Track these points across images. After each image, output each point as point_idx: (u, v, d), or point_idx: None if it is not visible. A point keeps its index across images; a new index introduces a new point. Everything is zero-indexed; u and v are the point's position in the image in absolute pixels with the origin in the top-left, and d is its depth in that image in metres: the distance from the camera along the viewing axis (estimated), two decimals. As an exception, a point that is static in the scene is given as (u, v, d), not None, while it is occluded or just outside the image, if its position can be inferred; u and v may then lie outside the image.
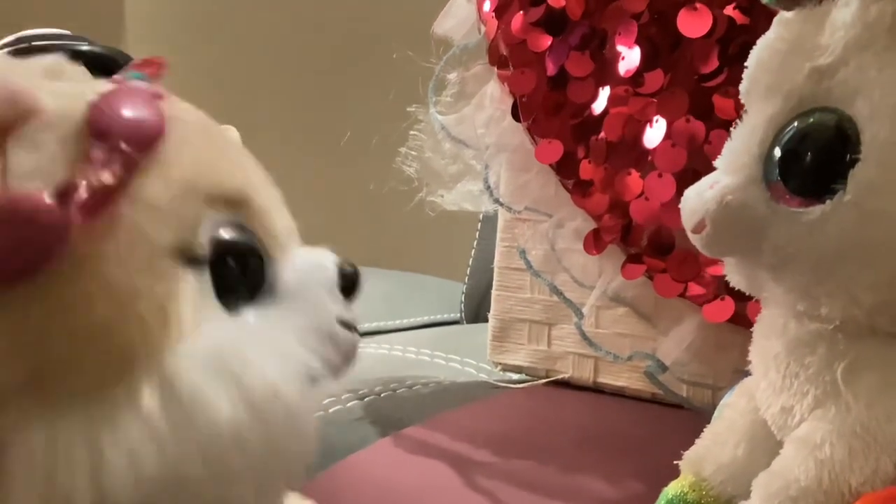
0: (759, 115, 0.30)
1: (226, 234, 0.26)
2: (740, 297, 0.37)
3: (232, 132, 0.31)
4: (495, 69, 0.53)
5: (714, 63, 0.44)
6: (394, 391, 0.58)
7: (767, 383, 0.31)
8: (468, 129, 0.54)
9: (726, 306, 0.45)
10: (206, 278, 0.25)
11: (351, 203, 1.24)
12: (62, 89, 0.25)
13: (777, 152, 0.28)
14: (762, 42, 0.31)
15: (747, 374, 0.33)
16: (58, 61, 0.27)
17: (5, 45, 0.49)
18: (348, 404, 0.55)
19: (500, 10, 0.52)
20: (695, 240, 0.31)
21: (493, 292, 0.62)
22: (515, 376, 0.61)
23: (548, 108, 0.50)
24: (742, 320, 0.44)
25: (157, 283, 0.24)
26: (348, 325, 0.29)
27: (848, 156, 0.27)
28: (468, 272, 0.97)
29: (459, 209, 0.56)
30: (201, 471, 0.24)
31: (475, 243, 0.96)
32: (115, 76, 0.27)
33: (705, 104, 0.45)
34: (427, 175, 0.56)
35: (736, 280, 0.32)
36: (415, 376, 0.62)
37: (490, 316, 0.62)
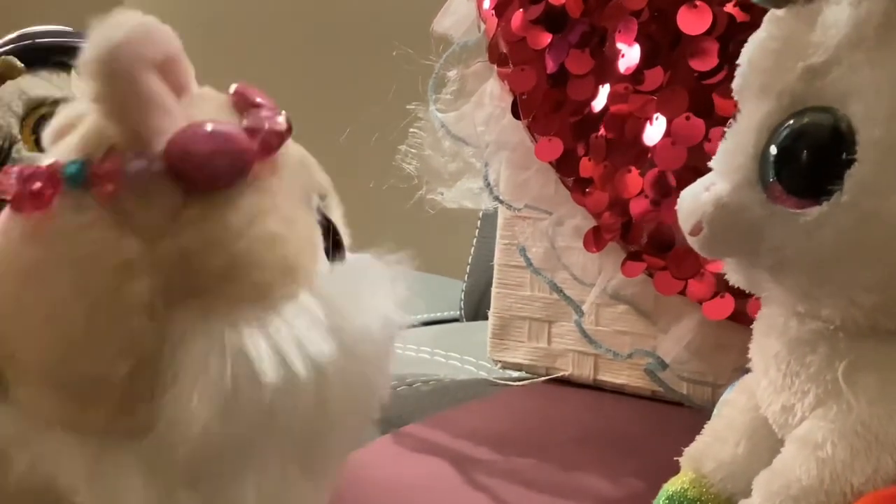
0: (752, 115, 0.30)
1: (323, 207, 0.31)
2: (740, 295, 0.37)
3: None
4: (495, 67, 0.53)
5: (714, 61, 0.44)
6: (393, 389, 0.58)
7: (768, 382, 0.31)
8: (468, 126, 0.54)
9: (726, 304, 0.45)
10: (320, 232, 0.30)
11: (350, 200, 1.23)
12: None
13: (772, 153, 0.28)
14: (753, 41, 0.31)
15: (747, 371, 0.33)
16: None
17: (8, 42, 0.49)
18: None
19: (500, 8, 0.52)
20: (692, 242, 0.31)
21: (493, 290, 0.62)
22: (515, 374, 0.61)
23: (548, 105, 0.50)
24: (742, 318, 0.44)
25: (308, 216, 0.29)
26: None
27: (844, 156, 0.27)
28: (468, 270, 0.97)
29: (459, 207, 0.56)
30: (342, 371, 0.28)
31: (475, 241, 0.96)
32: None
33: (705, 102, 0.45)
34: (427, 173, 0.56)
35: (735, 279, 0.32)
36: (415, 374, 0.62)
37: (490, 313, 0.62)
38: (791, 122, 0.28)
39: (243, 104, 0.29)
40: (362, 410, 0.31)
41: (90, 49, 0.26)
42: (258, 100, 0.29)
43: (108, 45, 0.25)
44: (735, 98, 0.31)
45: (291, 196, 0.29)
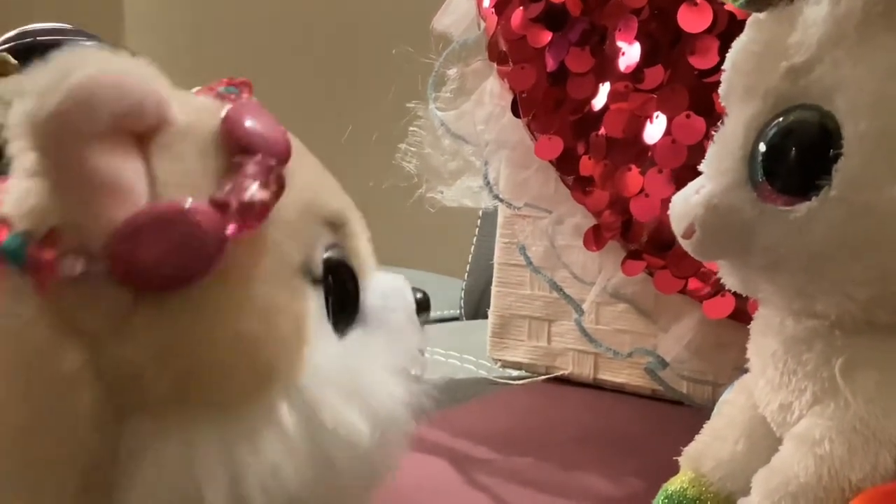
0: (739, 117, 0.30)
1: (334, 254, 0.26)
2: (740, 294, 0.37)
3: None
4: (495, 65, 0.53)
5: (714, 59, 0.44)
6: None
7: (765, 381, 0.31)
8: (468, 125, 0.54)
9: (726, 303, 0.45)
10: (321, 298, 0.25)
11: (351, 199, 1.23)
12: (182, 99, 0.25)
13: (760, 152, 0.29)
14: (737, 45, 0.31)
15: (747, 370, 0.33)
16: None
17: (8, 40, 0.48)
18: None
19: (500, 6, 0.52)
20: (685, 245, 0.31)
21: (493, 289, 0.62)
22: (515, 373, 0.61)
23: (548, 104, 0.50)
24: (742, 317, 0.44)
25: (295, 300, 0.24)
26: (421, 350, 0.30)
27: (831, 151, 0.27)
28: (468, 269, 0.97)
29: (459, 205, 0.56)
30: (327, 486, 0.24)
31: (475, 240, 0.96)
32: (212, 86, 0.27)
33: (706, 100, 0.45)
34: (427, 171, 0.56)
35: (731, 282, 0.32)
36: (414, 373, 0.62)
37: (490, 312, 0.62)
38: (778, 121, 0.28)
39: (232, 143, 0.24)
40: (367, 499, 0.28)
41: (23, 108, 0.21)
42: (250, 137, 0.24)
43: (42, 115, 0.21)
44: (722, 103, 0.32)
45: (276, 274, 0.24)
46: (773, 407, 0.30)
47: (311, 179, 0.27)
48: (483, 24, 0.54)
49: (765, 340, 0.31)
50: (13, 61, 0.39)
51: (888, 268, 0.27)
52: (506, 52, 0.52)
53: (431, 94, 0.55)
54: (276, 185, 0.23)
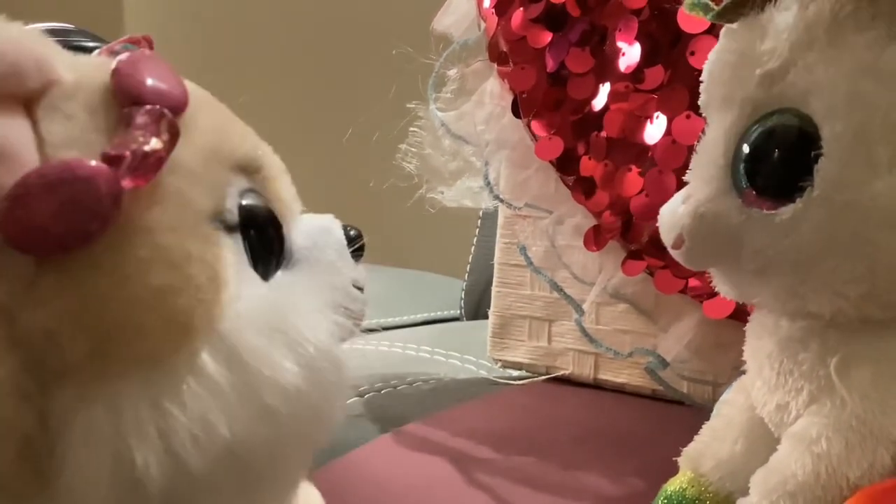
0: (719, 126, 0.30)
1: (249, 200, 0.26)
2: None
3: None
4: (495, 66, 0.53)
5: (714, 59, 0.44)
6: (394, 388, 0.58)
7: (762, 382, 0.31)
8: (468, 125, 0.54)
9: (726, 302, 0.45)
10: (239, 244, 0.25)
11: (351, 200, 1.23)
12: (72, 59, 0.25)
13: (742, 159, 0.29)
14: (712, 55, 0.32)
15: (746, 371, 0.33)
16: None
17: None
18: (348, 401, 0.55)
19: (500, 7, 0.52)
20: (675, 255, 0.31)
21: (494, 289, 0.62)
22: (516, 373, 0.61)
23: (548, 104, 0.50)
24: (742, 316, 0.44)
25: (207, 247, 0.24)
26: (358, 287, 0.29)
27: (811, 152, 0.27)
28: (468, 269, 0.97)
29: (459, 206, 0.56)
30: (265, 433, 0.24)
31: (475, 240, 0.96)
32: (109, 46, 0.27)
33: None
34: (427, 172, 0.56)
35: (724, 290, 0.32)
36: (415, 373, 0.62)
37: (490, 312, 0.62)
38: (757, 127, 0.29)
39: (122, 96, 0.23)
40: (289, 469, 0.27)
41: None
42: (140, 87, 0.23)
43: None
44: (702, 113, 0.32)
45: (183, 223, 0.24)
46: (770, 408, 0.31)
47: (215, 127, 0.26)
48: (483, 25, 0.54)
49: (760, 342, 0.32)
50: None
51: (876, 264, 0.27)
52: (506, 52, 0.52)
53: (432, 95, 0.55)
54: (169, 133, 0.23)
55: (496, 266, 0.62)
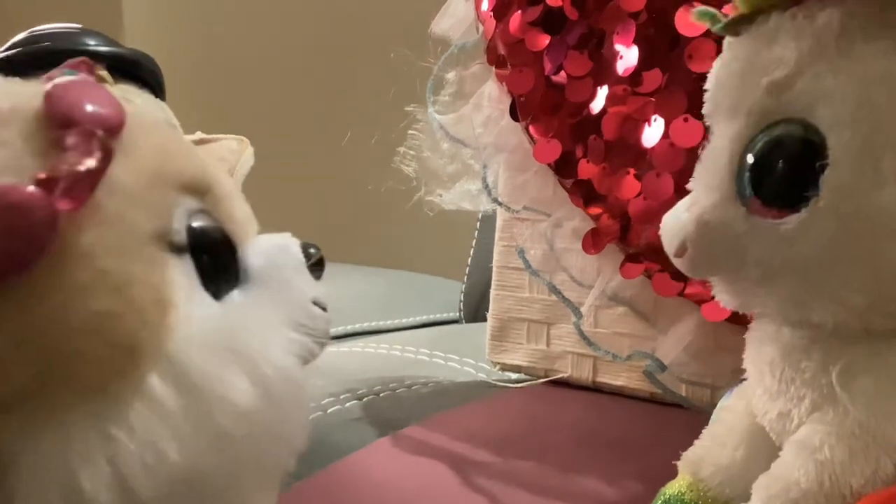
0: (724, 134, 0.30)
1: (199, 221, 0.26)
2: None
3: (245, 144, 0.31)
4: (493, 69, 0.53)
5: (712, 62, 0.44)
6: (393, 391, 0.58)
7: (763, 390, 0.31)
8: (466, 128, 0.54)
9: (725, 305, 0.45)
10: (188, 266, 0.25)
11: (349, 202, 1.24)
12: (6, 88, 0.25)
13: (747, 167, 0.29)
14: (718, 63, 0.31)
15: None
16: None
17: (18, 44, 0.47)
18: (347, 404, 0.55)
19: (499, 10, 0.52)
20: (678, 263, 0.31)
21: (492, 292, 0.62)
22: (514, 376, 0.61)
23: (546, 107, 0.50)
24: (741, 319, 0.44)
25: (151, 269, 0.23)
26: (320, 306, 0.29)
27: (817, 162, 0.27)
28: (467, 272, 0.97)
29: (458, 209, 0.56)
30: (219, 457, 0.24)
31: (474, 243, 0.96)
32: (50, 73, 0.27)
33: (703, 103, 0.45)
34: (425, 174, 0.56)
35: (725, 299, 0.32)
36: (413, 376, 0.62)
37: (489, 315, 0.62)
38: (763, 136, 0.29)
39: (54, 119, 0.23)
40: (245, 493, 0.26)
41: None
42: (71, 110, 0.23)
43: None
44: (707, 121, 0.32)
45: (124, 246, 0.23)
46: (771, 415, 0.30)
47: (158, 148, 0.26)
48: (481, 28, 0.54)
49: (761, 350, 0.31)
50: (109, 77, 0.38)
51: (882, 274, 0.27)
52: (504, 55, 0.52)
53: (430, 98, 0.55)
54: (102, 152, 0.23)
55: (494, 269, 0.61)
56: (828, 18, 0.28)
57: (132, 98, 0.30)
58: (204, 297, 0.25)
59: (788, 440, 0.29)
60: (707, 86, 0.32)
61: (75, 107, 0.23)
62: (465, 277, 0.97)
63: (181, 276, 0.24)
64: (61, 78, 0.25)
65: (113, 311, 0.22)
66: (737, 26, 0.30)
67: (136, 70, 0.35)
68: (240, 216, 0.28)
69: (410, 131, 0.56)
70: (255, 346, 0.25)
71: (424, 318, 0.95)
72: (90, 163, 0.22)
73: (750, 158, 0.29)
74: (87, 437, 0.22)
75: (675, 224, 0.31)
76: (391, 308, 0.93)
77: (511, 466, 0.47)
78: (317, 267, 0.30)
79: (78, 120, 0.23)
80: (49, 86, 0.24)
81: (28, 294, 0.21)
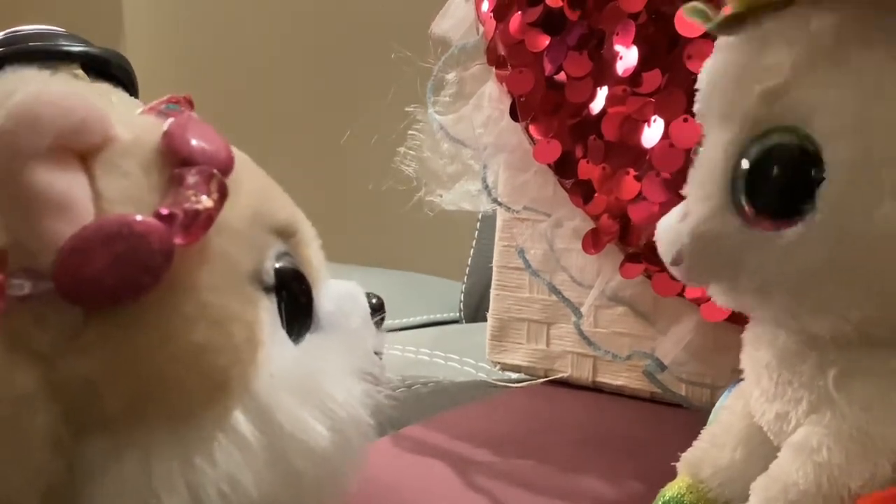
0: (717, 141, 0.29)
1: (286, 263, 0.27)
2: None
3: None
4: (493, 69, 0.53)
5: (712, 63, 0.44)
6: (392, 391, 0.58)
7: (760, 391, 0.31)
8: (466, 128, 0.54)
9: (724, 305, 0.45)
10: (274, 306, 0.26)
11: (350, 203, 1.24)
12: (126, 117, 0.25)
13: (742, 178, 0.28)
14: (710, 67, 0.31)
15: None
16: (102, 87, 0.28)
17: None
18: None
19: (499, 10, 0.52)
20: (674, 272, 0.31)
21: (492, 292, 0.62)
22: (514, 376, 0.61)
23: (546, 107, 0.50)
24: (740, 319, 0.43)
25: (247, 307, 0.24)
26: (378, 354, 0.30)
27: (813, 174, 0.26)
28: (467, 271, 0.97)
29: (458, 209, 0.56)
30: (289, 493, 0.24)
31: (474, 243, 0.96)
32: (154, 105, 0.28)
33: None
34: (425, 175, 0.56)
35: (723, 301, 0.31)
36: (413, 376, 0.62)
37: (489, 315, 0.62)
38: (757, 145, 0.28)
39: (173, 156, 0.24)
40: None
41: None
42: (190, 149, 0.24)
43: None
44: (698, 121, 0.31)
45: (226, 283, 0.24)
46: (769, 417, 0.30)
47: (258, 190, 0.27)
48: (482, 29, 0.54)
49: (758, 352, 0.31)
50: (84, 76, 0.39)
51: (880, 290, 0.27)
52: (504, 56, 0.52)
53: (430, 98, 0.55)
54: (219, 193, 0.24)
55: (494, 269, 0.62)
56: (822, 26, 0.27)
57: (109, 96, 0.30)
58: (284, 337, 0.26)
59: (786, 442, 0.29)
60: (699, 85, 0.31)
61: (194, 146, 0.24)
62: (465, 277, 0.97)
63: (268, 316, 0.25)
64: (170, 112, 0.26)
65: (211, 344, 0.23)
66: (730, 26, 0.29)
67: (107, 68, 0.36)
68: (316, 261, 0.29)
69: (410, 132, 0.56)
70: (331, 392, 0.26)
71: (424, 318, 0.95)
72: (208, 202, 0.23)
73: (744, 167, 0.28)
74: (171, 462, 0.23)
75: (670, 232, 0.30)
76: (391, 308, 0.93)
77: (511, 466, 0.47)
78: (376, 313, 0.31)
79: (196, 158, 0.24)
80: (167, 123, 0.25)
81: (136, 320, 0.22)
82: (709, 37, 0.44)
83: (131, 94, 0.47)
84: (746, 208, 0.28)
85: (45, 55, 0.46)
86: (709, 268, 0.30)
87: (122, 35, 1.58)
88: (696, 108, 0.31)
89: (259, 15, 1.49)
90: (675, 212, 0.31)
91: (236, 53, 1.49)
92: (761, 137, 0.28)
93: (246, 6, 1.51)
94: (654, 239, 0.44)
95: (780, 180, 0.27)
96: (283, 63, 1.46)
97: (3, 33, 0.46)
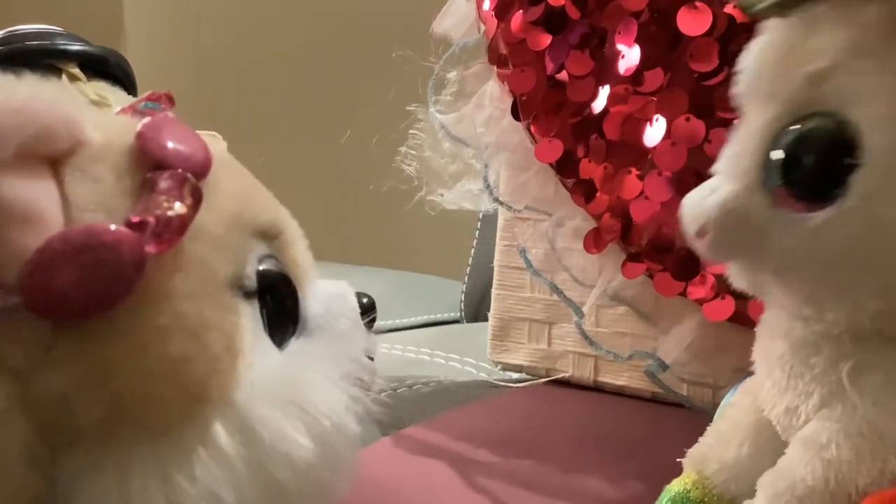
0: (756, 119, 0.29)
1: (267, 265, 0.26)
2: (740, 297, 0.37)
3: (218, 140, 0.31)
4: (495, 68, 0.53)
5: (714, 62, 0.44)
6: (394, 391, 0.58)
7: (772, 383, 0.31)
8: (468, 128, 0.54)
9: (726, 305, 0.45)
10: (256, 311, 0.25)
11: (351, 202, 1.23)
12: (99, 119, 0.25)
13: (777, 158, 0.28)
14: (755, 48, 0.30)
15: (748, 373, 0.33)
16: (100, 86, 0.27)
17: None
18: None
19: (500, 9, 0.52)
20: (697, 245, 0.31)
21: (493, 291, 0.62)
22: (515, 375, 0.61)
23: (548, 107, 0.50)
24: (742, 319, 0.44)
25: (225, 315, 0.24)
26: (369, 356, 0.29)
27: (849, 161, 0.26)
28: (468, 271, 0.97)
29: (459, 208, 0.56)
30: None
31: (475, 242, 0.96)
32: (133, 103, 0.27)
33: (705, 103, 0.45)
34: (427, 174, 0.56)
35: (740, 282, 0.31)
36: (415, 376, 0.62)
37: (490, 315, 0.62)
38: (796, 127, 0.28)
39: (146, 159, 0.23)
40: None
41: None
42: (164, 152, 0.23)
43: None
44: (739, 102, 0.31)
45: (203, 291, 0.23)
46: (779, 410, 0.30)
47: (238, 192, 0.26)
48: (483, 28, 0.54)
49: (771, 343, 0.31)
50: (82, 75, 0.38)
51: None
52: (506, 55, 0.52)
53: (431, 97, 0.55)
54: (193, 198, 0.23)
55: (496, 268, 0.61)
56: (875, 12, 0.27)
57: (106, 95, 0.30)
58: (268, 344, 0.25)
59: (795, 436, 0.29)
60: (742, 67, 0.31)
61: (166, 148, 0.23)
62: (466, 277, 0.97)
63: (249, 322, 0.25)
64: (147, 111, 0.25)
65: (187, 355, 0.22)
66: (780, 8, 0.29)
67: (105, 67, 0.35)
68: (303, 261, 0.28)
69: (412, 131, 0.56)
70: (315, 401, 0.25)
71: (425, 318, 0.95)
72: (181, 208, 0.22)
73: (780, 149, 0.28)
74: (149, 477, 0.22)
75: (698, 206, 0.30)
76: (392, 308, 0.93)
77: (512, 466, 0.46)
78: (367, 314, 0.30)
79: (169, 161, 0.23)
80: (140, 124, 0.24)
81: (107, 333, 0.22)
82: (711, 35, 0.44)
83: (130, 93, 0.46)
84: (778, 188, 0.28)
85: (43, 54, 0.46)
86: (733, 243, 0.30)
87: (122, 35, 1.58)
88: (738, 89, 0.31)
89: (259, 14, 1.49)
90: (706, 186, 0.31)
91: (236, 53, 1.49)
92: (801, 120, 0.28)
93: (246, 6, 1.51)
94: (658, 238, 0.44)
95: (814, 164, 0.27)
96: (283, 62, 1.45)
97: (1, 33, 0.46)
